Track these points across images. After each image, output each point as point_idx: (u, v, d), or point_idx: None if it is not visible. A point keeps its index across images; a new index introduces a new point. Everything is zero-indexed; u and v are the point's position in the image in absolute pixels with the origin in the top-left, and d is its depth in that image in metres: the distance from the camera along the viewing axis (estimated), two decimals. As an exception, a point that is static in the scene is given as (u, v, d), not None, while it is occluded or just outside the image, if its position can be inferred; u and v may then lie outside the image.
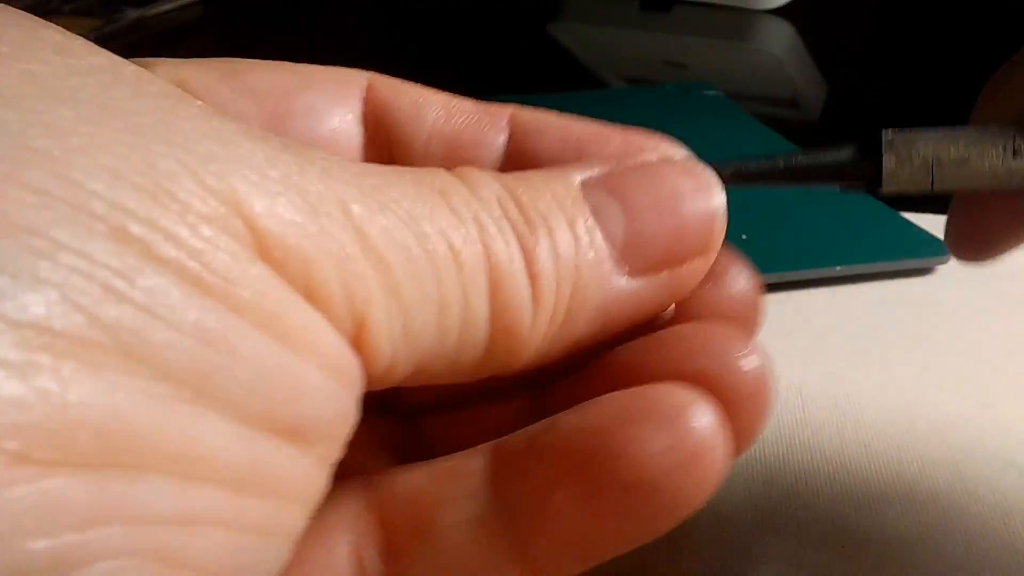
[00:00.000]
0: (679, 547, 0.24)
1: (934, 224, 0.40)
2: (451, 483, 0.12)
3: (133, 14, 0.73)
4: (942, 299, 0.35)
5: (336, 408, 0.10)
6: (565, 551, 0.11)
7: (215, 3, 0.80)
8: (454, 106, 0.15)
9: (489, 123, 0.15)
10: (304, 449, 0.10)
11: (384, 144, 0.15)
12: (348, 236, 0.10)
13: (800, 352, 0.32)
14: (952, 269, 0.37)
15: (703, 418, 0.11)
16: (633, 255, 0.12)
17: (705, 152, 0.47)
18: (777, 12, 0.81)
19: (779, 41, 0.75)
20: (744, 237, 0.37)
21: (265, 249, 0.09)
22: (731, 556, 0.24)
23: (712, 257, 0.13)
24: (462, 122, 0.15)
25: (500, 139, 0.15)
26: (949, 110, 0.61)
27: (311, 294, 0.10)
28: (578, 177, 0.12)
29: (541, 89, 0.57)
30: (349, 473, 0.12)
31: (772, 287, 0.36)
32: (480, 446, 0.12)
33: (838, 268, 0.36)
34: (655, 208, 0.12)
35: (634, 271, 0.12)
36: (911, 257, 0.37)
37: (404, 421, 0.15)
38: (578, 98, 0.56)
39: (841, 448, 0.27)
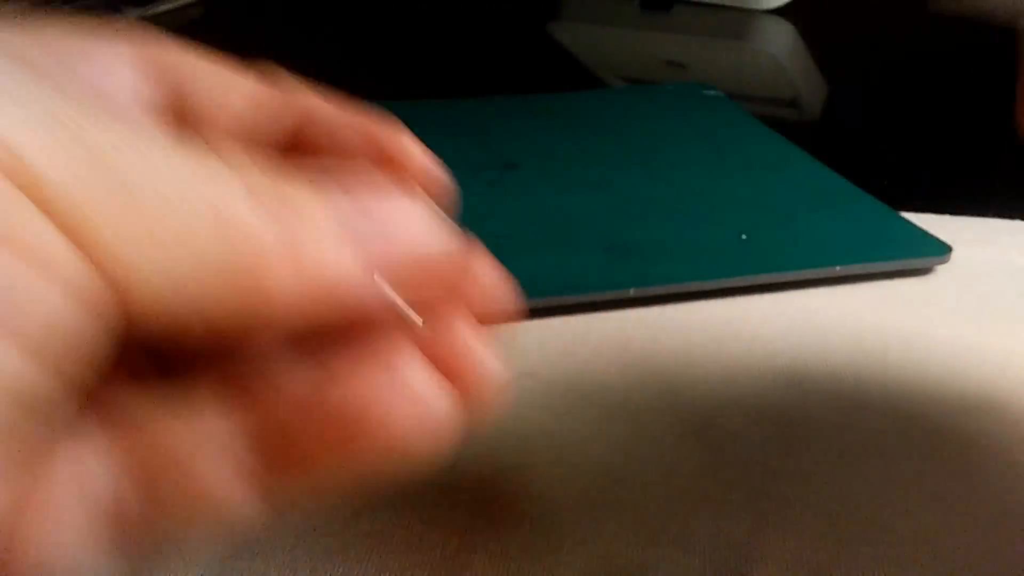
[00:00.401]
0: (679, 545, 0.24)
1: (934, 224, 0.40)
2: (206, 420, 0.13)
3: (133, 14, 0.73)
4: (941, 299, 0.35)
5: (72, 325, 0.11)
6: (301, 480, 0.13)
7: (215, 4, 0.80)
8: (256, 90, 0.17)
9: (283, 109, 0.17)
10: (33, 360, 0.10)
11: (180, 118, 0.17)
12: (103, 167, 0.11)
13: (801, 351, 0.32)
14: (951, 269, 0.37)
15: (420, 373, 0.13)
16: (362, 255, 0.13)
17: (705, 152, 0.47)
18: (777, 12, 0.81)
19: (779, 41, 0.75)
20: (744, 237, 0.37)
21: (8, 166, 0.10)
22: (731, 554, 0.24)
23: (435, 269, 0.14)
24: (259, 106, 0.17)
25: (288, 123, 0.17)
26: (948, 110, 0.61)
27: (55, 214, 0.10)
28: (328, 191, 0.14)
29: (541, 89, 0.57)
30: (108, 410, 0.13)
31: (772, 287, 0.36)
32: (236, 390, 0.14)
33: (838, 268, 0.36)
34: (385, 223, 0.14)
35: (362, 269, 0.13)
36: (910, 257, 0.37)
37: (173, 373, 0.16)
38: (578, 97, 0.56)
39: (842, 447, 0.28)
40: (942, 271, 0.37)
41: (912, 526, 0.25)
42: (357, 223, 0.13)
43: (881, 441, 0.28)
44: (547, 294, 0.33)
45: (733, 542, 0.24)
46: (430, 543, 0.24)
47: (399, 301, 0.14)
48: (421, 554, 0.24)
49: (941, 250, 0.37)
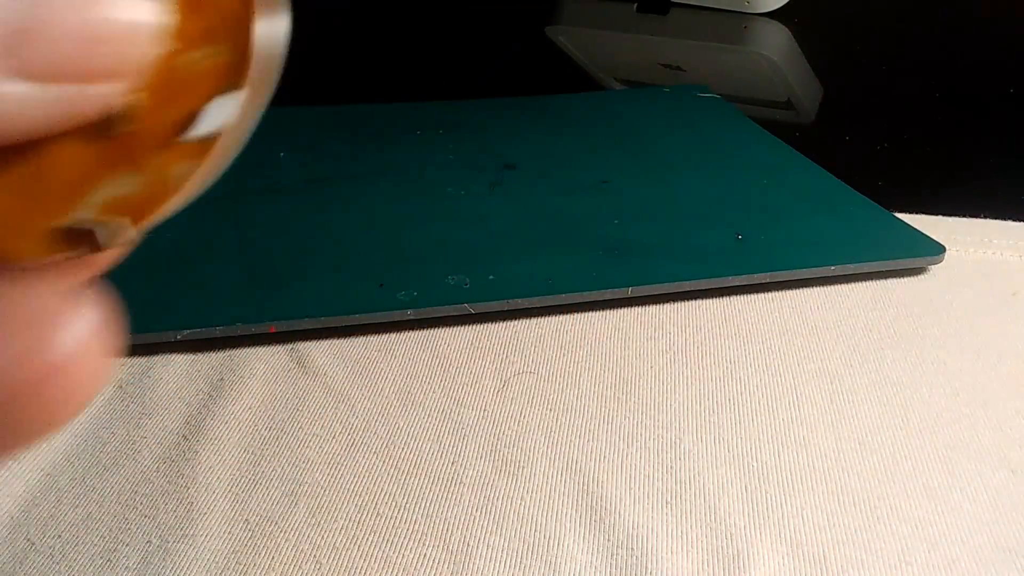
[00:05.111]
0: (675, 541, 0.24)
1: (928, 225, 0.41)
2: None
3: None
4: (935, 298, 0.36)
5: None
6: None
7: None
8: None
9: None
10: None
11: None
12: None
13: (795, 350, 0.32)
14: (945, 269, 0.38)
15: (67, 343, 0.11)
16: (24, 53, 0.10)
17: (702, 154, 0.48)
18: (773, 15, 0.82)
19: (775, 44, 0.76)
20: (740, 237, 0.38)
21: None
22: (727, 550, 0.24)
23: (127, 81, 0.11)
24: None
25: None
26: (942, 112, 0.61)
27: None
28: None
29: (539, 91, 0.58)
30: None
31: (768, 286, 0.36)
32: None
33: (833, 268, 0.36)
34: (57, 5, 0.10)
35: (25, 74, 0.10)
36: (905, 257, 0.37)
37: None
38: (576, 99, 0.56)
39: (836, 445, 0.28)
40: (936, 271, 0.38)
41: (906, 522, 0.25)
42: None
43: (874, 439, 0.28)
44: (545, 293, 0.34)
45: (729, 537, 0.24)
46: (433, 538, 0.24)
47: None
48: (424, 548, 0.24)
49: (935, 250, 0.38)
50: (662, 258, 0.36)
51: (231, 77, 0.11)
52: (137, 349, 0.31)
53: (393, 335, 0.33)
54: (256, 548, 0.24)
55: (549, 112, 0.54)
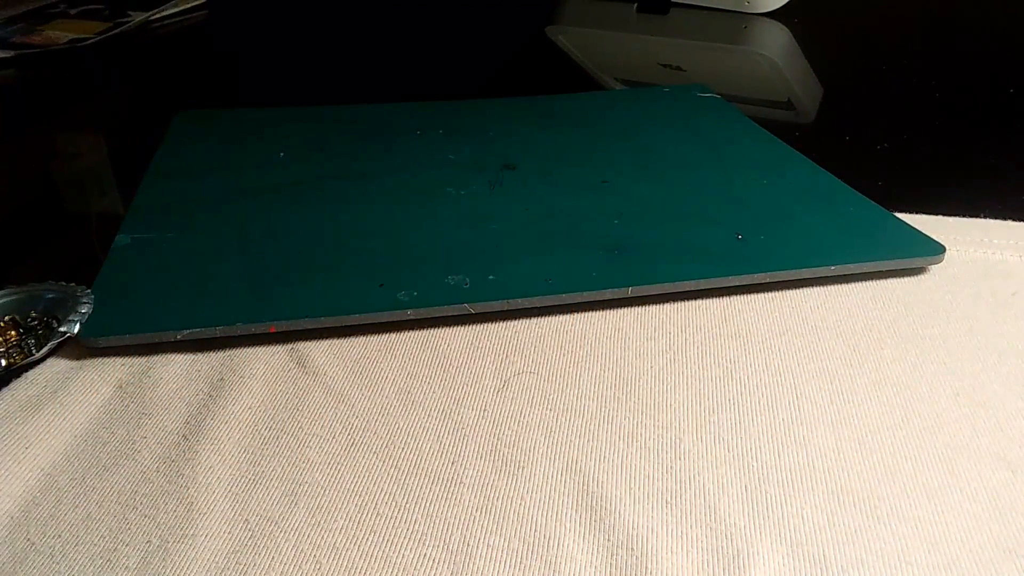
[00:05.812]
0: (675, 541, 0.24)
1: (928, 224, 0.41)
2: None
3: (139, 18, 0.73)
4: (935, 298, 0.36)
5: None
6: None
7: (219, 8, 0.81)
8: None
9: None
10: None
11: None
12: None
13: (795, 350, 0.32)
14: (945, 269, 0.38)
15: None
16: None
17: (702, 153, 0.48)
18: (773, 15, 0.82)
19: (775, 44, 0.76)
20: (740, 237, 0.38)
21: None
22: (727, 550, 0.24)
23: None
24: None
25: None
26: (941, 112, 0.61)
27: None
28: None
29: (539, 91, 0.58)
30: None
31: (768, 286, 0.36)
32: None
33: (833, 268, 0.36)
34: None
35: None
36: (905, 257, 0.37)
37: None
38: (576, 99, 0.56)
39: (836, 445, 0.28)
40: (936, 271, 0.38)
41: (906, 522, 0.25)
42: None
43: (874, 438, 0.28)
44: (545, 293, 0.34)
45: (729, 536, 0.24)
46: (433, 538, 0.24)
47: None
48: (424, 548, 0.24)
49: (935, 250, 0.38)
50: (662, 258, 0.36)
51: None
52: (137, 349, 0.31)
53: (393, 335, 0.33)
54: (256, 548, 0.24)
55: (550, 112, 0.54)
